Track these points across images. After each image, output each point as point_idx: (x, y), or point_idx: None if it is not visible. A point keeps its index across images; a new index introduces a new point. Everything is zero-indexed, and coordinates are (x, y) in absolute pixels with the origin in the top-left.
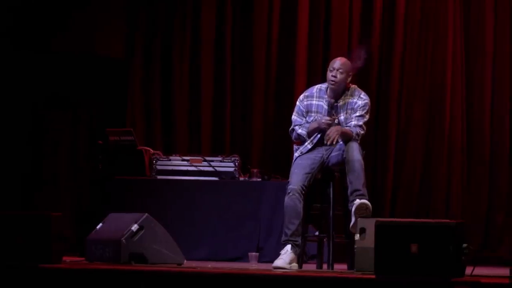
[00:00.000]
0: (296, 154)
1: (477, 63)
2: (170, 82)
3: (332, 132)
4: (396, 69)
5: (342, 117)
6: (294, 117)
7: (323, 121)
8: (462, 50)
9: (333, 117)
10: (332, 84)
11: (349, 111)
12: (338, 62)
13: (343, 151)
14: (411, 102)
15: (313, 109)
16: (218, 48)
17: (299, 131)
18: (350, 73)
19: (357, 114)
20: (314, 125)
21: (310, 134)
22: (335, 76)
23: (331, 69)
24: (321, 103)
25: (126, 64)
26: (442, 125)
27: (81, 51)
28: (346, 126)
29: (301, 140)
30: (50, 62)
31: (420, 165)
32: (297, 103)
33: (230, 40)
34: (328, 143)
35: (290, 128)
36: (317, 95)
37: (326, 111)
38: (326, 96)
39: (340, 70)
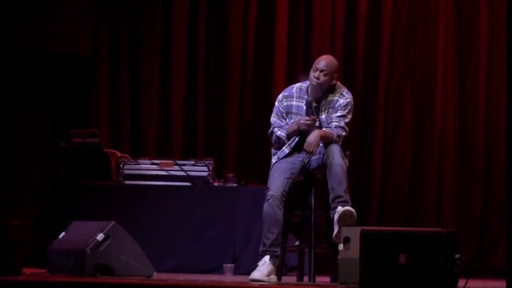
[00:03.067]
0: (273, 160)
1: (470, 60)
2: (138, 81)
3: (309, 145)
4: (384, 66)
5: (323, 117)
6: (273, 118)
7: (301, 121)
8: (454, 46)
9: (313, 117)
10: (313, 84)
11: (330, 110)
12: (323, 62)
13: (324, 154)
14: (399, 101)
15: (293, 111)
16: (190, 45)
17: (278, 133)
18: (336, 74)
19: (338, 114)
20: (294, 126)
21: (289, 136)
22: (317, 78)
23: (315, 68)
24: (301, 104)
25: (92, 62)
26: (433, 125)
27: (45, 49)
28: (327, 127)
29: (280, 143)
30: (12, 60)
31: (409, 169)
32: (276, 103)
33: (204, 36)
34: (307, 153)
35: (269, 131)
36: (297, 95)
37: (305, 112)
38: (306, 97)
39: (324, 72)
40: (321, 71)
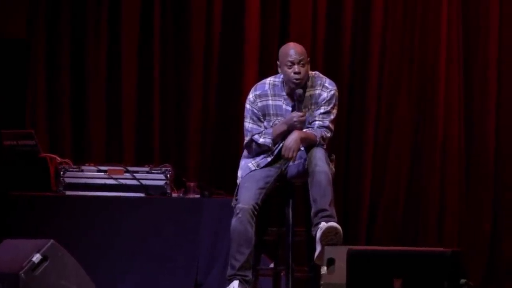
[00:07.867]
0: (249, 165)
1: (479, 46)
2: (82, 71)
3: (288, 149)
4: (375, 55)
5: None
6: (248, 124)
7: (294, 119)
8: (459, 30)
9: (305, 110)
10: (296, 82)
11: (312, 107)
12: (294, 52)
13: (305, 159)
14: (394, 96)
15: (271, 111)
16: (143, 27)
17: (261, 140)
18: (309, 58)
19: (322, 110)
20: (282, 127)
21: (276, 140)
22: (298, 73)
23: (289, 63)
24: (279, 102)
25: (26, 45)
26: (434, 125)
27: None
28: (309, 127)
29: (262, 151)
30: None
31: (406, 177)
32: (248, 106)
33: (160, 19)
34: (285, 159)
35: (247, 140)
36: (272, 93)
37: (296, 107)
38: (284, 93)
39: (302, 62)
40: (298, 62)
